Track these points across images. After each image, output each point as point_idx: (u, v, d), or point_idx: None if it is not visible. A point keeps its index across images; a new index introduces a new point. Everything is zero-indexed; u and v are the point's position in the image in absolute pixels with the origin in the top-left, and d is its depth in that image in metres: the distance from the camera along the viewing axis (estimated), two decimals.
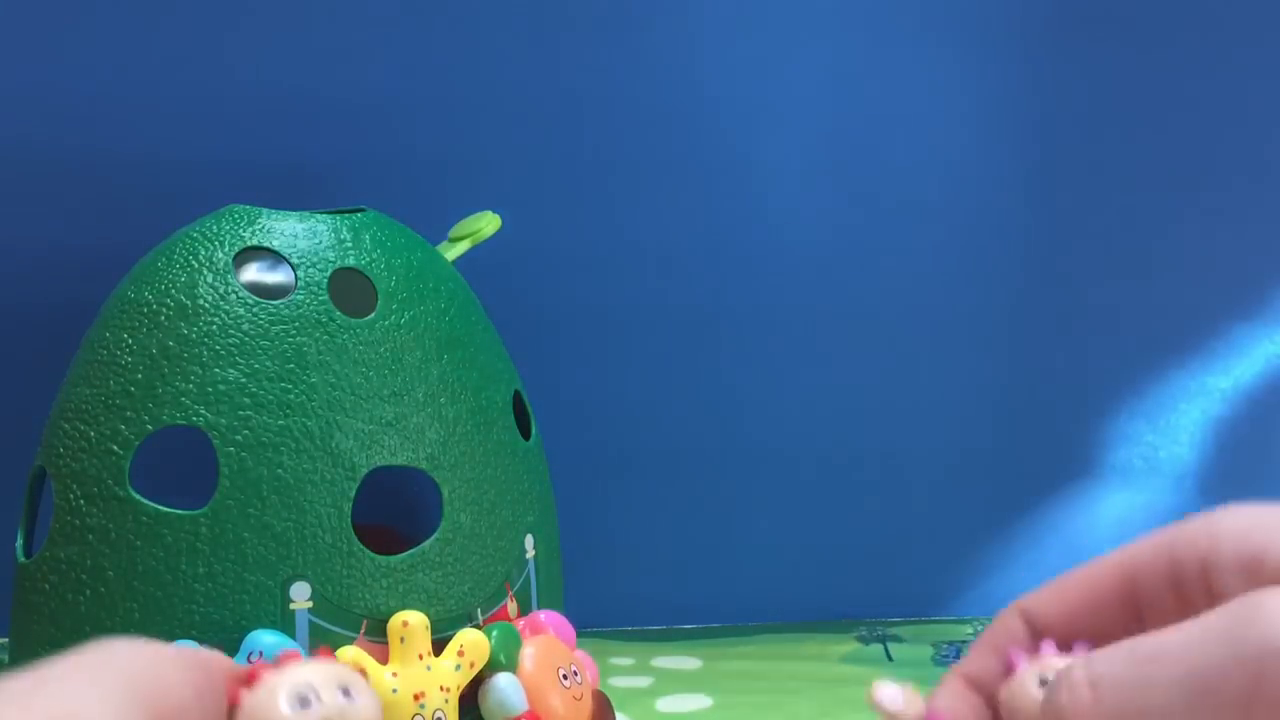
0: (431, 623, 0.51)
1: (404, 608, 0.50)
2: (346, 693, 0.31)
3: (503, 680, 0.52)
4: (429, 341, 0.54)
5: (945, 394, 0.79)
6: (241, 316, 0.50)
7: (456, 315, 0.56)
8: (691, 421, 0.78)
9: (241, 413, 0.49)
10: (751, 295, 0.77)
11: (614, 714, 0.57)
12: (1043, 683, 0.30)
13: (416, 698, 0.49)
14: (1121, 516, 0.81)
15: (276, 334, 0.50)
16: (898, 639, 0.77)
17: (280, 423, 0.49)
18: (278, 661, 0.31)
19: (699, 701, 0.66)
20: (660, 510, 0.79)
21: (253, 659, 0.47)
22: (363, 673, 0.30)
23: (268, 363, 0.50)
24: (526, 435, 0.60)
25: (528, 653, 0.53)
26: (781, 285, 0.77)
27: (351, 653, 0.48)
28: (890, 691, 0.34)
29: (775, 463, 0.79)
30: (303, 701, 0.29)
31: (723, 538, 0.79)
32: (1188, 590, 0.26)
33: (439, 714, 0.49)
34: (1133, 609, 0.28)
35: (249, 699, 0.29)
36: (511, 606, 0.56)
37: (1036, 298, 0.79)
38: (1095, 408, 0.80)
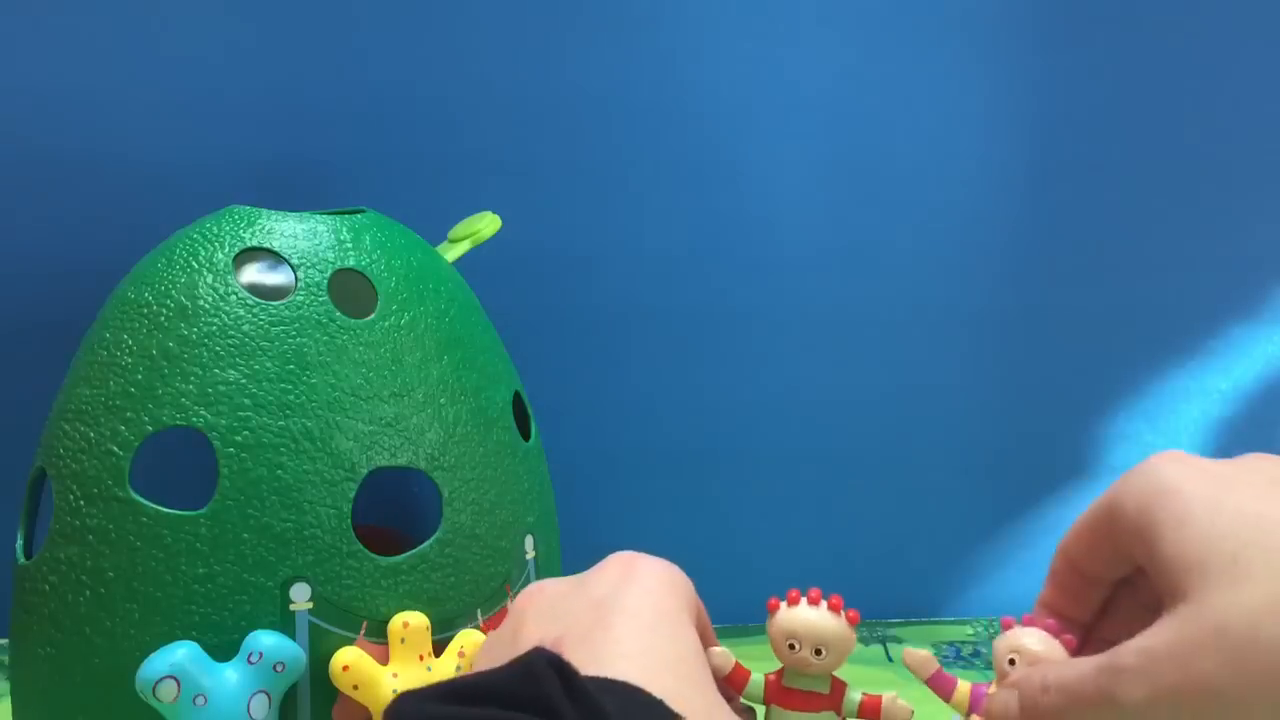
0: (432, 623, 0.51)
1: (404, 608, 0.50)
2: (818, 652, 0.46)
3: None
4: (429, 342, 0.54)
5: (945, 394, 0.79)
6: (242, 317, 0.50)
7: (456, 316, 0.56)
8: (691, 422, 0.78)
9: (241, 414, 0.49)
10: (750, 296, 0.77)
11: None
12: (1010, 661, 0.42)
13: None
14: None
15: (277, 335, 0.50)
16: (898, 639, 0.77)
17: (280, 423, 0.49)
18: (809, 595, 0.46)
19: None
20: (660, 510, 0.79)
21: (252, 660, 0.47)
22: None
23: (268, 364, 0.50)
24: (526, 435, 0.60)
25: None
26: (779, 286, 0.77)
27: (352, 653, 0.48)
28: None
29: (775, 463, 0.79)
30: (790, 647, 0.46)
31: (723, 538, 0.79)
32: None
33: None
34: (1114, 547, 0.35)
35: (781, 613, 0.46)
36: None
37: (1037, 298, 0.79)
38: (1095, 408, 0.80)
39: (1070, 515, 0.84)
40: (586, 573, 0.32)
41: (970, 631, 0.78)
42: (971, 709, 0.47)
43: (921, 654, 0.48)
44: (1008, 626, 0.46)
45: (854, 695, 0.50)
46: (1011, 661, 0.45)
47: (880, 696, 0.49)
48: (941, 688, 0.48)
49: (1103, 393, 0.80)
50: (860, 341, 0.78)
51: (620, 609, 0.29)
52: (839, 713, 0.50)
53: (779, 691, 0.50)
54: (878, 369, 0.78)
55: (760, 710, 0.52)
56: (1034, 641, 0.45)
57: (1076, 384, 0.80)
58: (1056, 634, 0.45)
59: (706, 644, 0.35)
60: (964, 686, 0.48)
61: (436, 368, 0.54)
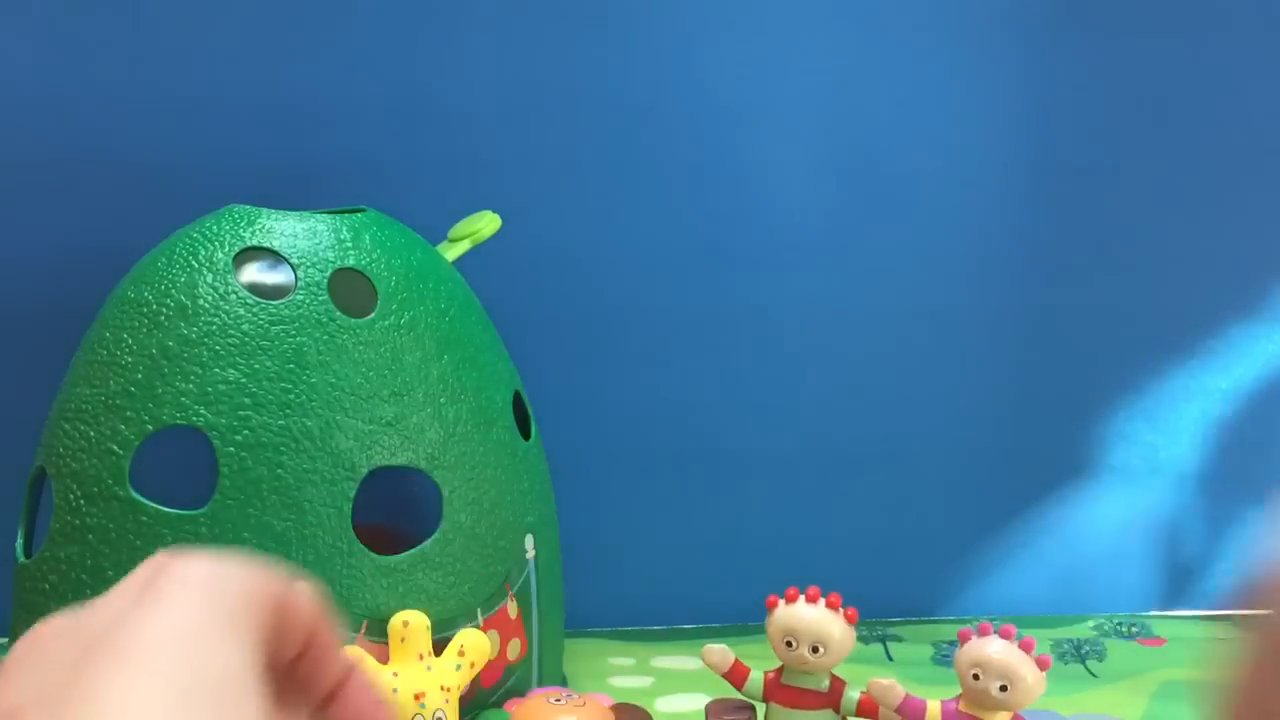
0: (432, 622, 0.51)
1: (404, 608, 0.51)
2: (816, 650, 0.47)
3: None
4: (429, 341, 0.54)
5: (945, 394, 0.79)
6: (241, 317, 0.50)
7: (456, 315, 0.56)
8: (691, 422, 0.78)
9: (241, 413, 0.49)
10: (750, 295, 0.77)
11: None
12: (975, 676, 0.46)
13: (417, 697, 0.49)
14: (1121, 516, 0.81)
15: (276, 334, 0.50)
16: (898, 639, 0.77)
17: (280, 423, 0.49)
18: (808, 593, 0.49)
19: (699, 701, 0.66)
20: (661, 510, 0.79)
21: None
22: None
23: (268, 363, 0.50)
24: (526, 435, 0.60)
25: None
26: (780, 285, 0.77)
27: (352, 653, 0.48)
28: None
29: (775, 463, 0.79)
30: (788, 644, 0.48)
31: (723, 538, 0.79)
32: None
33: (439, 714, 0.49)
34: None
35: (779, 611, 0.48)
36: (511, 606, 0.56)
37: (1036, 298, 0.79)
38: (1095, 408, 0.80)
39: (1070, 515, 0.84)
40: (111, 591, 0.23)
41: None
42: None
43: (886, 682, 0.47)
44: (965, 639, 0.46)
45: (852, 694, 0.50)
46: (976, 676, 0.44)
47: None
48: (912, 712, 0.48)
49: (1103, 393, 0.80)
50: (859, 341, 0.78)
51: (120, 647, 0.20)
52: (837, 710, 0.50)
53: (778, 689, 0.50)
54: (877, 369, 0.78)
55: (760, 708, 0.52)
56: (996, 651, 0.45)
57: (1076, 384, 0.80)
58: (1011, 637, 0.45)
59: (295, 645, 0.24)
60: (934, 706, 0.48)
61: (436, 367, 0.54)
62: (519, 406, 0.60)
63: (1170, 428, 0.81)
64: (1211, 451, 0.81)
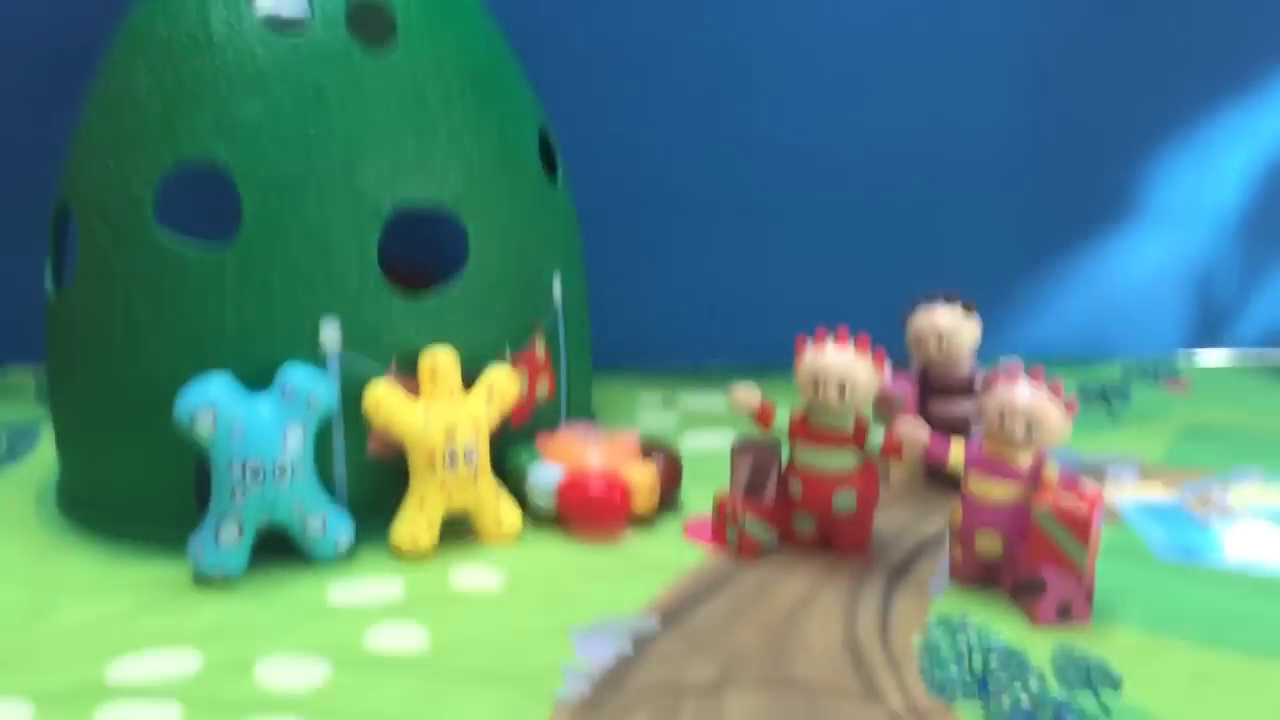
0: (461, 359, 0.51)
1: (432, 344, 0.51)
2: (842, 390, 0.48)
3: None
4: (450, 76, 0.52)
5: (980, 131, 0.77)
6: (257, 49, 0.48)
7: (479, 48, 0.54)
8: (722, 160, 0.76)
9: (261, 149, 0.48)
10: (782, 33, 0.74)
11: (680, 477, 0.57)
12: (1001, 416, 0.46)
13: (448, 432, 0.50)
14: (1158, 259, 0.80)
15: (294, 66, 0.48)
16: None
17: (301, 160, 0.48)
18: (837, 335, 0.48)
19: (725, 439, 0.67)
20: (689, 249, 0.78)
21: (285, 394, 0.47)
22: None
23: (285, 97, 0.48)
24: (552, 173, 0.59)
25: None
26: (815, 22, 0.74)
27: (384, 388, 0.49)
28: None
29: (806, 203, 0.77)
30: (816, 384, 0.49)
31: (751, 277, 0.79)
32: None
33: (469, 447, 0.50)
34: None
35: (809, 352, 0.49)
36: (539, 346, 0.56)
37: (1081, 27, 0.75)
38: (1138, 146, 0.78)
39: (1106, 257, 0.82)
40: None
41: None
42: (969, 464, 0.48)
43: (908, 428, 0.48)
44: (994, 381, 0.47)
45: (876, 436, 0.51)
46: (1002, 418, 0.45)
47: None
48: (937, 451, 0.48)
49: (1147, 131, 0.78)
50: (892, 79, 0.75)
51: None
52: (862, 449, 0.51)
53: (803, 428, 0.51)
54: (910, 106, 0.76)
55: (785, 446, 0.53)
56: (1023, 394, 0.45)
57: (1120, 120, 0.77)
58: (1040, 380, 0.46)
59: None
60: (958, 445, 0.48)
61: (460, 104, 0.52)
62: (544, 144, 0.59)
63: (1215, 169, 0.78)
64: (1257, 196, 0.79)
